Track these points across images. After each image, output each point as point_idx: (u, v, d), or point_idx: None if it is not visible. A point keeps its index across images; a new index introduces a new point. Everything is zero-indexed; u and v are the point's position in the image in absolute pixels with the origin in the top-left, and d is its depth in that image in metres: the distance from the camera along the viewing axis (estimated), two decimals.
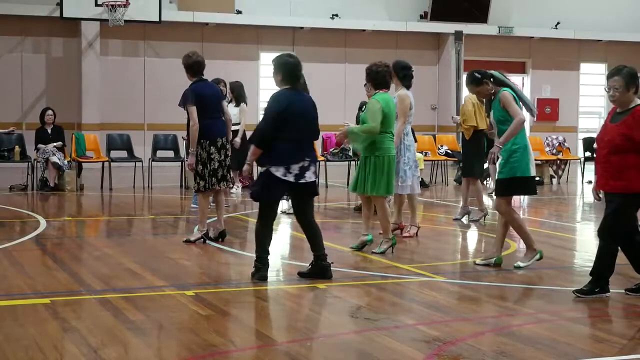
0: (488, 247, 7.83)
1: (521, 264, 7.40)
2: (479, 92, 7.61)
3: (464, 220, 10.63)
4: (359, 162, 8.37)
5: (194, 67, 8.62)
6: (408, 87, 9.14)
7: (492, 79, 7.41)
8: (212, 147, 8.48)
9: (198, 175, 8.50)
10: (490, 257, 7.56)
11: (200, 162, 8.46)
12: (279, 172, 6.62)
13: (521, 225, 7.48)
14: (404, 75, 9.08)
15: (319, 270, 6.84)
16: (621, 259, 8.16)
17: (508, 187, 7.30)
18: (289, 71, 6.78)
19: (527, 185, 7.40)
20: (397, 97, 8.93)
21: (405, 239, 9.10)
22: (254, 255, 6.88)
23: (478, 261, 7.63)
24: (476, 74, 7.58)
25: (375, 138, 7.98)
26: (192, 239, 8.55)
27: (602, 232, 6.31)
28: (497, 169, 7.34)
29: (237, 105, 13.34)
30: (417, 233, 9.26)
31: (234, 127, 13.23)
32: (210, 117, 8.50)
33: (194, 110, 8.39)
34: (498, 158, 7.22)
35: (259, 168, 6.95)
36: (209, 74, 9.05)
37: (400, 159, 8.94)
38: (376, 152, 8.03)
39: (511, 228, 7.50)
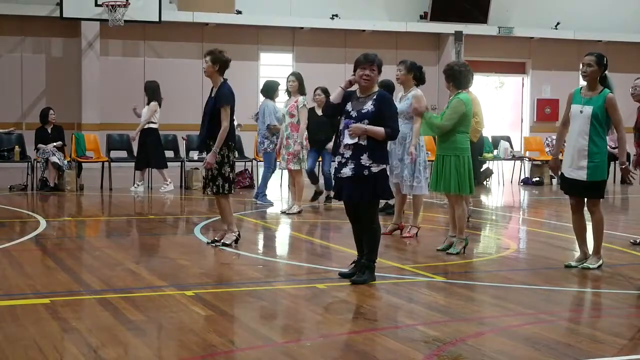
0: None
1: (590, 266, 7.40)
2: (593, 72, 7.35)
3: None
4: (435, 160, 8.25)
5: (226, 65, 8.49)
6: (420, 86, 9.29)
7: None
8: (230, 150, 8.38)
9: (223, 178, 8.28)
10: (582, 259, 7.55)
11: (229, 165, 8.32)
12: (387, 170, 6.80)
13: (603, 228, 7.54)
14: (420, 75, 9.22)
15: (358, 268, 6.82)
16: (621, 259, 8.19)
17: (603, 188, 7.38)
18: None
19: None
20: (413, 97, 9.06)
21: (405, 239, 9.12)
22: (368, 259, 6.74)
23: (573, 263, 7.55)
24: (606, 59, 7.48)
25: (456, 137, 8.00)
26: (228, 242, 8.46)
27: None
28: (588, 172, 7.27)
29: (148, 103, 14.12)
30: (417, 234, 9.27)
31: (150, 125, 14.01)
32: (232, 120, 8.41)
33: (229, 111, 8.31)
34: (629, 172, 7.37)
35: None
36: None
37: (415, 159, 9.04)
38: (457, 151, 8.01)
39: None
